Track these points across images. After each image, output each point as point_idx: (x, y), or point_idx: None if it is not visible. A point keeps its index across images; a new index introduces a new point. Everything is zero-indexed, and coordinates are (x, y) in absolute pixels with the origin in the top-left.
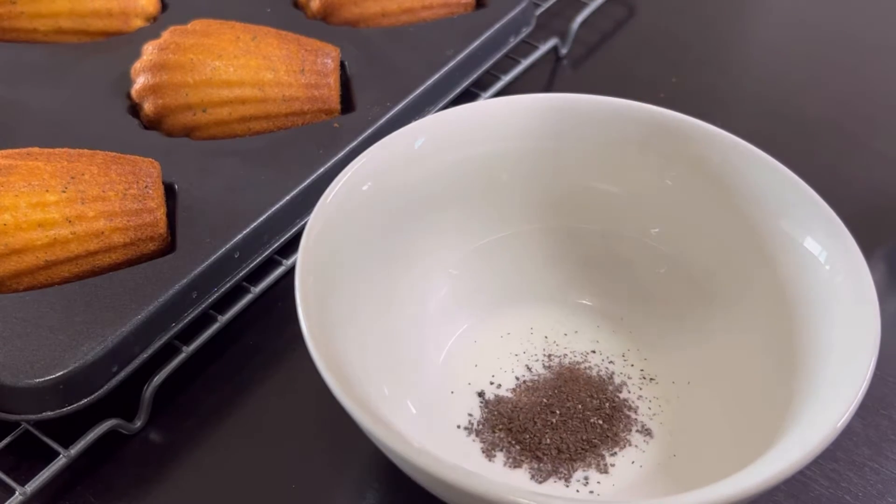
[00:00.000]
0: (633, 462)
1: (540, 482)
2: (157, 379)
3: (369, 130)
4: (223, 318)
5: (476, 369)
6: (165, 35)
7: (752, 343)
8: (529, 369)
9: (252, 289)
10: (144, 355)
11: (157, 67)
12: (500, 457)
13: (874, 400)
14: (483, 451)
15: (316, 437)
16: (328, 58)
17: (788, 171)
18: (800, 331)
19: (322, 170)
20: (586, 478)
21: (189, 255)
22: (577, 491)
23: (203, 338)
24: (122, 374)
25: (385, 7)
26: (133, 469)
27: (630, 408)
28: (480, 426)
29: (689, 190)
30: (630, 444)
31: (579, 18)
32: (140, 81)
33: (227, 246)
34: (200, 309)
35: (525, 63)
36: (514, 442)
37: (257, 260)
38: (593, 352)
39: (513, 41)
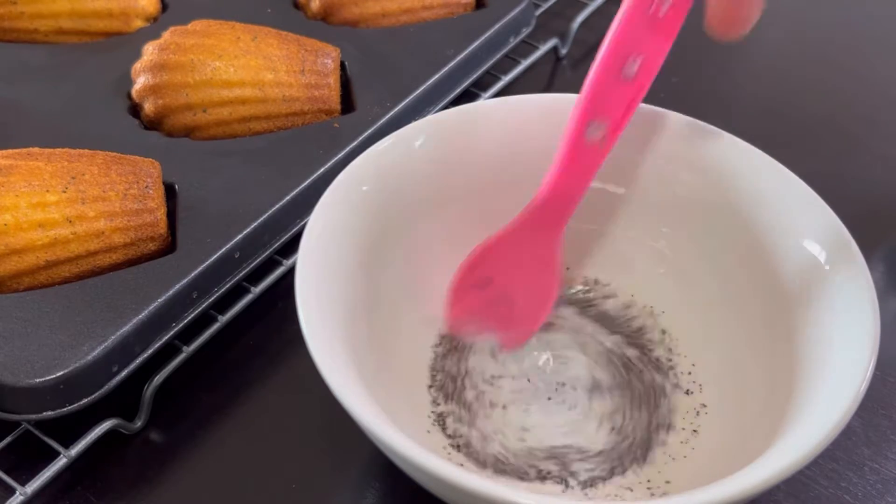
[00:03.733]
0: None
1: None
2: (158, 379)
3: (369, 130)
4: (223, 318)
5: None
6: (166, 35)
7: (752, 343)
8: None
9: (252, 289)
10: (145, 355)
11: (157, 68)
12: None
13: (874, 400)
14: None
15: (316, 437)
16: (328, 58)
17: (788, 171)
18: (800, 331)
19: (322, 170)
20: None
21: (189, 255)
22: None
23: (203, 338)
24: (123, 374)
25: (385, 7)
26: (133, 469)
27: None
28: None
29: (689, 190)
30: None
31: (579, 18)
32: (140, 82)
33: (228, 246)
34: (200, 309)
35: (525, 63)
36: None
37: (257, 260)
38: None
39: (513, 41)
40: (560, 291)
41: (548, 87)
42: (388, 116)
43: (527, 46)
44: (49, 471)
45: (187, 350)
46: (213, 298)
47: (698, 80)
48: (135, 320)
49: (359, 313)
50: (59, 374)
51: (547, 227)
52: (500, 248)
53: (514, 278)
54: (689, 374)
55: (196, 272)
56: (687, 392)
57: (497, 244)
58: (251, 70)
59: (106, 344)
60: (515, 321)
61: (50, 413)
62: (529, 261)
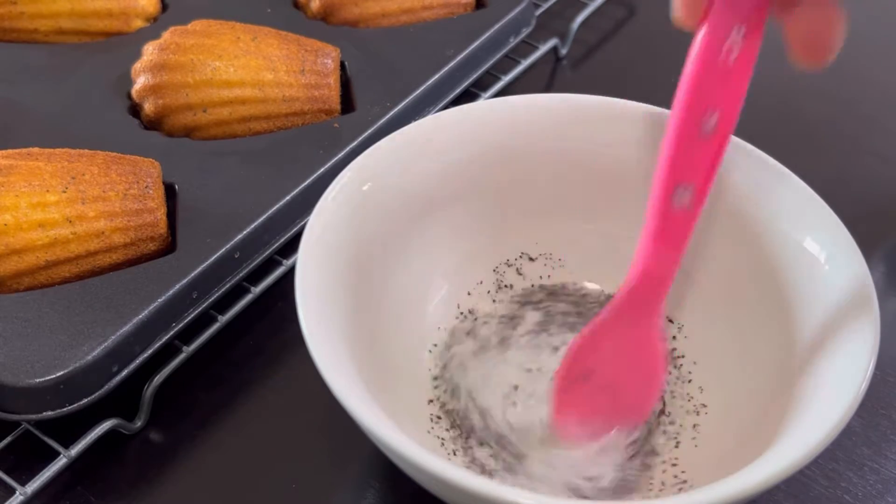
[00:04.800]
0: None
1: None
2: (158, 379)
3: (369, 130)
4: (223, 318)
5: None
6: (166, 35)
7: (752, 343)
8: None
9: (252, 289)
10: (145, 355)
11: (157, 68)
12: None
13: (874, 400)
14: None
15: (316, 437)
16: (328, 58)
17: (788, 171)
18: (800, 331)
19: (322, 170)
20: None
21: (189, 255)
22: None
23: (203, 338)
24: (123, 374)
25: (385, 7)
26: (133, 469)
27: None
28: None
29: None
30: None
31: (579, 18)
32: (140, 82)
33: (227, 246)
34: (200, 309)
35: (525, 63)
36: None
37: (257, 260)
38: None
39: (513, 41)
40: (667, 374)
41: (548, 87)
42: (388, 116)
43: (527, 46)
44: (49, 471)
45: (187, 350)
46: (213, 298)
47: None
48: (135, 320)
49: (359, 313)
50: (59, 374)
51: (644, 306)
52: (597, 337)
53: (617, 366)
54: (689, 373)
55: (196, 272)
56: (686, 392)
57: (594, 333)
58: (251, 70)
59: (106, 344)
60: (623, 409)
61: (50, 413)
62: (630, 345)
